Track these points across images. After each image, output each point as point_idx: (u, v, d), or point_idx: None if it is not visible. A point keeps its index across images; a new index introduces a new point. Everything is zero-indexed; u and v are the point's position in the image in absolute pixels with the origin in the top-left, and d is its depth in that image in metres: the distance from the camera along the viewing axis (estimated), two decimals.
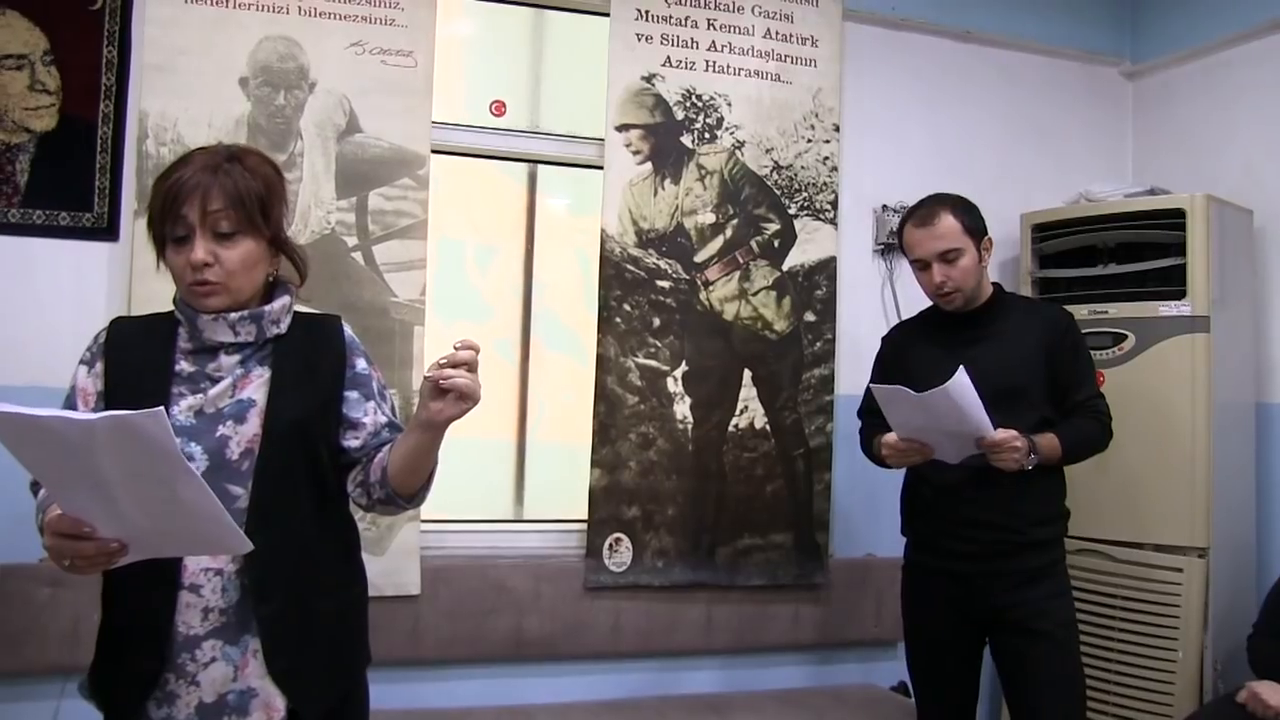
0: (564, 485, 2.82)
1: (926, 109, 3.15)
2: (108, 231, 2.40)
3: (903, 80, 3.12)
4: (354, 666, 1.50)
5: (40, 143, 2.35)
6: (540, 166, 2.90)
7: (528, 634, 2.64)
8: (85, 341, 2.37)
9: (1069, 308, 2.39)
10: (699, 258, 2.81)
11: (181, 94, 2.39)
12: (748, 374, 2.85)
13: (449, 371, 1.26)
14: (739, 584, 2.81)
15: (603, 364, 2.72)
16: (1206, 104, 3.14)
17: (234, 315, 1.38)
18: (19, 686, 2.28)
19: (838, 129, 2.95)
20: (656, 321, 2.77)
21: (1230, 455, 2.74)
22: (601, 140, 2.78)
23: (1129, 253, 2.85)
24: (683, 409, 2.78)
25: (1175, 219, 2.72)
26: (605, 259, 2.74)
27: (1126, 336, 2.77)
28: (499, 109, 2.81)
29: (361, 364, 1.49)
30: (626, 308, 2.75)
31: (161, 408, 1.07)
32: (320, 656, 1.40)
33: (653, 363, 2.77)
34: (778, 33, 2.91)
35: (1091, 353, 2.33)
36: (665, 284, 2.78)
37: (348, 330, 1.51)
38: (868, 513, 2.98)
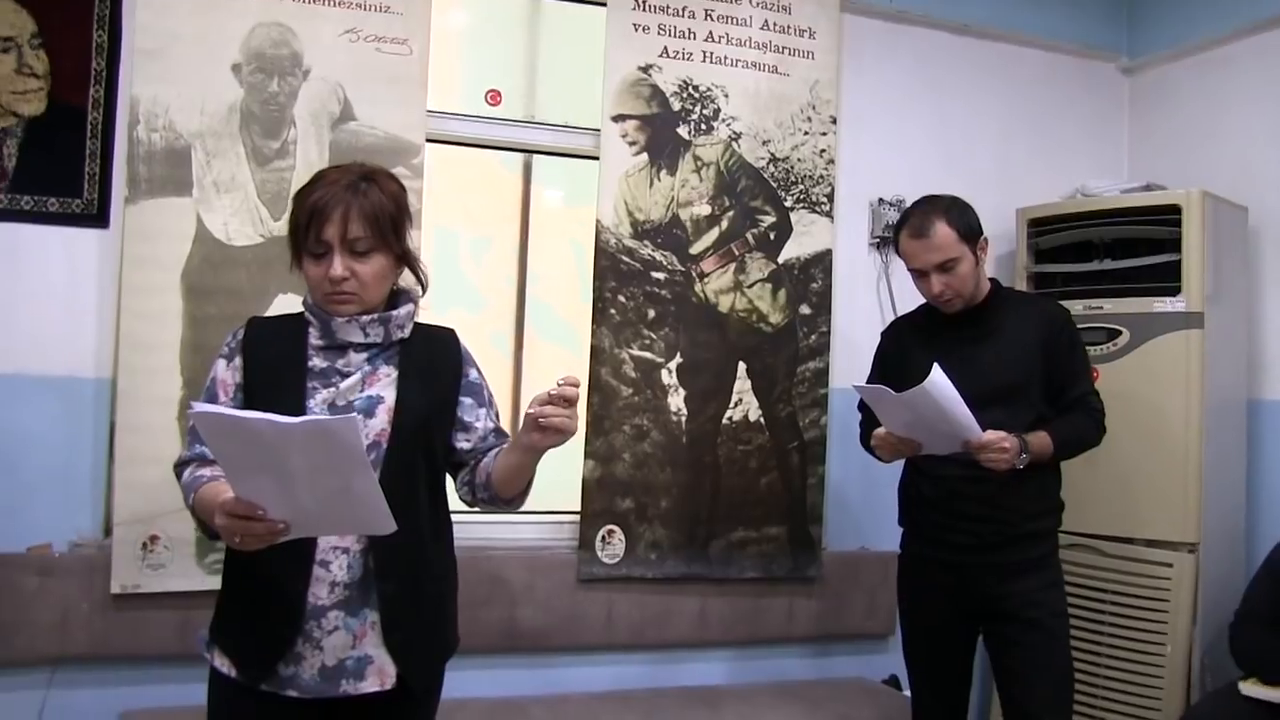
0: (557, 477, 2.78)
1: (923, 102, 3.14)
2: (98, 218, 2.37)
3: (900, 73, 3.11)
4: (448, 648, 1.66)
5: (29, 127, 2.32)
6: (535, 157, 2.88)
7: (521, 626, 2.64)
8: (74, 329, 2.39)
9: (1064, 303, 2.40)
10: (694, 250, 2.80)
11: (174, 80, 2.36)
12: (742, 366, 2.84)
13: (548, 410, 1.43)
14: (732, 577, 2.81)
15: (597, 355, 2.71)
16: (1203, 100, 3.14)
17: (365, 318, 1.54)
18: (6, 677, 2.26)
19: (835, 121, 2.94)
20: (651, 313, 2.76)
21: (1222, 451, 2.75)
22: (597, 131, 2.76)
23: (1124, 248, 2.85)
24: (677, 401, 2.77)
25: (1171, 215, 2.72)
26: (600, 250, 2.72)
27: (1121, 332, 2.77)
28: (494, 98, 2.79)
29: (474, 374, 1.66)
30: (621, 299, 2.74)
31: (358, 415, 1.31)
32: (427, 633, 1.58)
33: (647, 355, 2.76)
34: (775, 24, 2.89)
35: (1087, 348, 2.33)
36: (660, 276, 2.77)
37: (462, 342, 1.68)
38: (862, 506, 2.99)
